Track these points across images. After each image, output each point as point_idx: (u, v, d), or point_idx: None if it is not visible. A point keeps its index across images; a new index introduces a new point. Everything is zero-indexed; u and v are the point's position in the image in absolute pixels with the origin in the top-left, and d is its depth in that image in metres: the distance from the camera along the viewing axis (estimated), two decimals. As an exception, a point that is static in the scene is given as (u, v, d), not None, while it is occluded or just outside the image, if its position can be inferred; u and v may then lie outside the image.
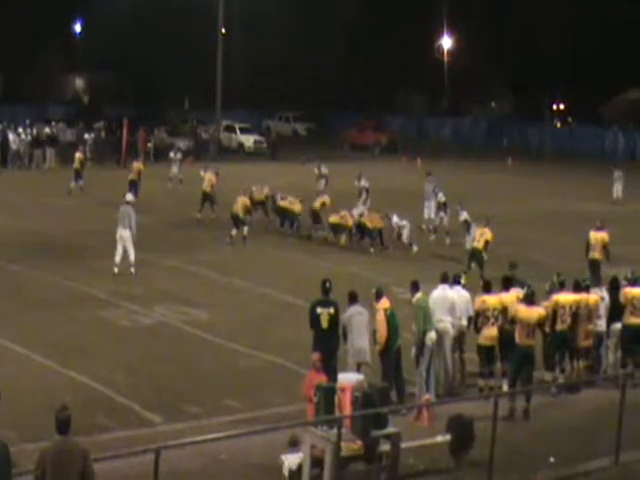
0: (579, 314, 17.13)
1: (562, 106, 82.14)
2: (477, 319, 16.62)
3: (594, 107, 72.71)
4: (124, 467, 11.26)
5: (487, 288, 17.08)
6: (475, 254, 25.12)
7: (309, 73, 72.14)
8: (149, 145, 53.43)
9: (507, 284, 17.28)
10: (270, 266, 26.28)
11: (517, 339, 16.10)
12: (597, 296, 17.57)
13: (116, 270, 24.08)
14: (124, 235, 24.44)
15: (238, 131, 61.99)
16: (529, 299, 16.40)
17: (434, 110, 78.10)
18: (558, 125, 78.05)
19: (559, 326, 16.99)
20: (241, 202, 29.29)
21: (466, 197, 33.35)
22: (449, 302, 16.73)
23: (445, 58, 79.47)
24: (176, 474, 12.02)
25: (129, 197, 25.82)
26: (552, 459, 13.71)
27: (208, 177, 33.25)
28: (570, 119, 78.40)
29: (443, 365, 16.66)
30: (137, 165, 37.47)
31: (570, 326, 17.05)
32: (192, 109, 70.05)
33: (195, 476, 12.62)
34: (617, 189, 41.43)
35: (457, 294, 17.02)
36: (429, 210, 32.79)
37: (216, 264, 25.97)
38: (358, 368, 14.22)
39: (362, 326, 15.50)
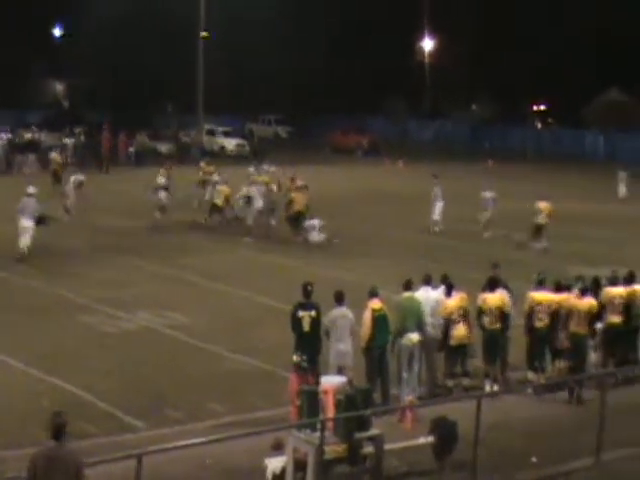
0: (559, 314, 17.25)
1: (543, 108, 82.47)
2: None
3: (575, 109, 72.96)
4: (106, 474, 11.24)
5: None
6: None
7: (291, 76, 72.22)
8: (131, 149, 53.38)
9: (492, 285, 17.37)
10: (254, 270, 26.30)
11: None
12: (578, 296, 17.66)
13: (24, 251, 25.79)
14: (26, 225, 26.07)
15: (220, 135, 62.08)
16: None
17: (416, 113, 78.31)
18: (539, 127, 78.38)
19: (536, 324, 17.12)
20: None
21: (451, 199, 33.59)
22: (432, 303, 16.81)
23: (427, 60, 79.67)
24: (159, 479, 12.01)
25: (30, 190, 27.05)
26: (534, 459, 13.79)
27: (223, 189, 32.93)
28: (551, 121, 78.72)
29: (426, 367, 16.74)
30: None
31: (549, 325, 17.17)
32: (174, 113, 69.99)
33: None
34: (622, 189, 41.98)
35: (440, 294, 17.09)
36: (437, 211, 33.03)
37: (200, 269, 25.97)
38: (340, 371, 14.26)
39: (345, 329, 15.54)
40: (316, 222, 30.60)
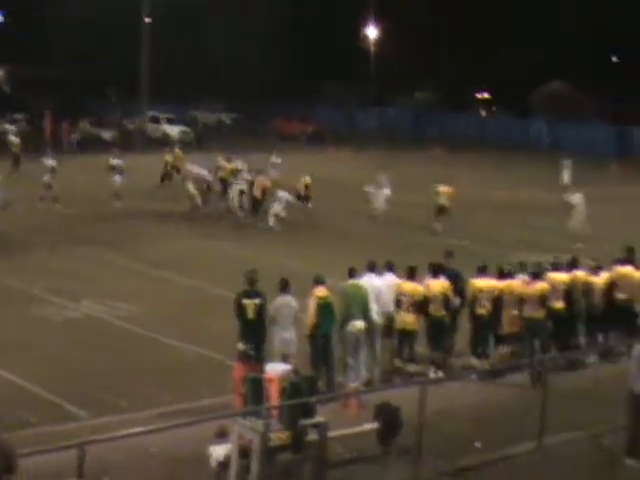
0: (502, 300, 17.41)
1: (487, 95, 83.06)
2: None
3: (518, 97, 73.62)
4: (48, 463, 11.15)
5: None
6: None
7: (236, 63, 71.87)
8: (73, 136, 52.87)
9: (435, 272, 17.46)
10: (203, 258, 26.24)
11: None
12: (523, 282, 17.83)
13: None
14: None
15: (163, 122, 61.71)
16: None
17: (361, 100, 78.43)
18: (483, 114, 78.94)
19: (478, 310, 17.28)
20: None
21: (400, 187, 33.76)
22: (376, 290, 16.86)
23: (372, 48, 79.76)
24: (103, 468, 11.94)
25: None
26: (478, 444, 13.92)
27: (260, 181, 33.20)
28: (494, 109, 79.31)
29: (372, 354, 16.80)
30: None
31: (491, 312, 17.31)
32: (118, 100, 69.43)
33: (122, 470, 12.55)
34: (565, 177, 42.43)
35: (384, 281, 17.14)
36: (382, 199, 33.29)
37: (150, 258, 25.86)
38: (284, 359, 14.24)
39: (289, 317, 15.53)
40: (288, 197, 31.02)
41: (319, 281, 16.09)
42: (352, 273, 16.68)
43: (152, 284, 23.26)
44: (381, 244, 27.46)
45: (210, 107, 72.02)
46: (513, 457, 13.64)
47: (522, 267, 18.60)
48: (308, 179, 33.80)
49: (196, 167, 34.70)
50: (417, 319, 16.92)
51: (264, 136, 61.76)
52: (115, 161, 33.46)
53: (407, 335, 16.90)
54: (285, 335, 15.44)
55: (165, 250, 27.16)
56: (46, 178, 33.12)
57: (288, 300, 15.65)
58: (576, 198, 31.01)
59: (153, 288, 22.84)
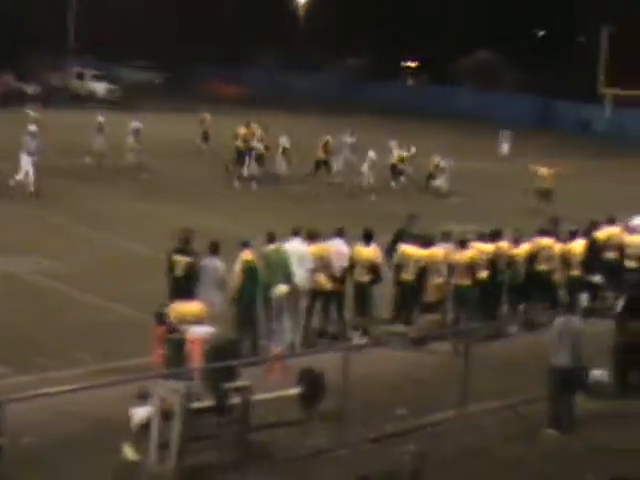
0: (427, 269, 17.45)
1: (415, 64, 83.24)
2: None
3: (446, 66, 73.90)
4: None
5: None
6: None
7: (166, 22, 70.92)
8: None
9: (367, 238, 17.44)
10: (132, 218, 25.95)
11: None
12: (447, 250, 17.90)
13: None
14: None
15: (89, 79, 60.62)
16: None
17: (291, 64, 77.99)
18: (410, 83, 79.13)
19: (404, 276, 17.31)
20: None
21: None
22: (300, 254, 16.75)
23: (301, 11, 79.31)
24: (24, 428, 11.74)
25: None
26: (401, 411, 13.97)
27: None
28: (423, 77, 79.47)
29: (295, 318, 16.75)
30: None
31: (417, 279, 17.36)
32: (44, 55, 68.04)
33: (43, 429, 12.35)
34: (504, 148, 42.82)
35: (307, 247, 17.01)
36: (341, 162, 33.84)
37: (78, 215, 25.46)
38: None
39: (213, 279, 15.41)
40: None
41: (245, 244, 15.99)
42: (272, 238, 16.58)
43: (78, 243, 22.95)
44: (310, 208, 27.45)
45: (140, 66, 70.76)
46: (435, 424, 13.73)
47: (445, 237, 18.64)
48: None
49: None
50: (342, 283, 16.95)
51: (196, 98, 60.92)
52: (32, 128, 32.46)
53: (331, 297, 16.88)
54: (208, 296, 15.27)
55: (95, 209, 26.78)
56: None
57: (216, 262, 15.55)
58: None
59: (79, 247, 22.50)
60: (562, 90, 62.58)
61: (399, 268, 17.54)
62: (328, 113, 57.18)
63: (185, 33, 72.39)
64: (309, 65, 77.65)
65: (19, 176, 28.08)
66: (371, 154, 32.75)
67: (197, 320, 13.50)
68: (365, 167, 32.69)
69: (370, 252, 17.24)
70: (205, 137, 38.44)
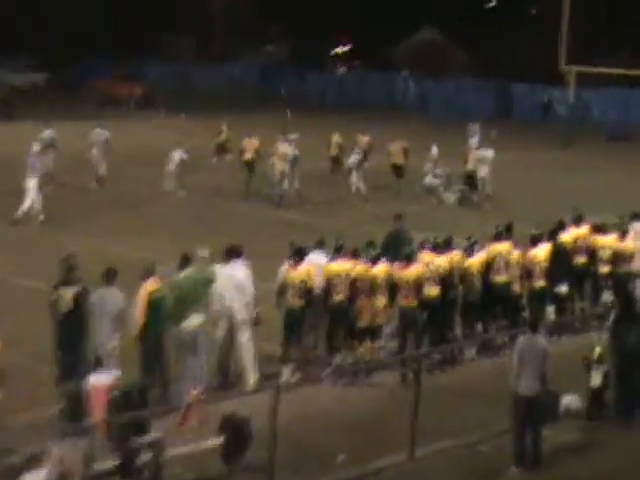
0: (357, 287, 17.34)
1: (346, 50, 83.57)
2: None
3: (382, 50, 74.21)
4: None
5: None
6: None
7: (48, 12, 70.31)
8: None
9: (299, 254, 17.34)
10: (8, 245, 25.60)
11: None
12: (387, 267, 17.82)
13: None
14: None
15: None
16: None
17: (202, 56, 77.68)
18: (342, 71, 79.26)
19: (335, 298, 17.28)
20: None
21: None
22: (237, 280, 16.65)
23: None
24: None
25: None
26: (342, 456, 13.99)
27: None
28: (357, 64, 79.76)
29: (222, 354, 16.69)
30: None
31: (348, 299, 17.29)
32: None
33: None
34: (474, 142, 42.95)
35: (243, 271, 16.88)
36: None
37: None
38: (96, 363, 13.88)
39: (110, 314, 15.24)
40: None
41: (150, 272, 15.83)
42: (186, 261, 16.33)
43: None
44: (223, 225, 27.39)
45: (17, 66, 69.58)
46: (381, 470, 13.77)
47: (370, 246, 18.46)
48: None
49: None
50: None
51: (85, 100, 60.22)
52: None
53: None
54: (99, 335, 15.16)
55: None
56: None
57: (113, 293, 15.37)
58: (490, 153, 33.97)
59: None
60: (518, 71, 63.04)
61: (328, 289, 17.38)
62: (243, 110, 56.96)
63: (74, 24, 71.58)
64: (224, 55, 77.34)
65: None
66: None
67: None
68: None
69: (304, 272, 17.12)
70: (220, 150, 37.96)
